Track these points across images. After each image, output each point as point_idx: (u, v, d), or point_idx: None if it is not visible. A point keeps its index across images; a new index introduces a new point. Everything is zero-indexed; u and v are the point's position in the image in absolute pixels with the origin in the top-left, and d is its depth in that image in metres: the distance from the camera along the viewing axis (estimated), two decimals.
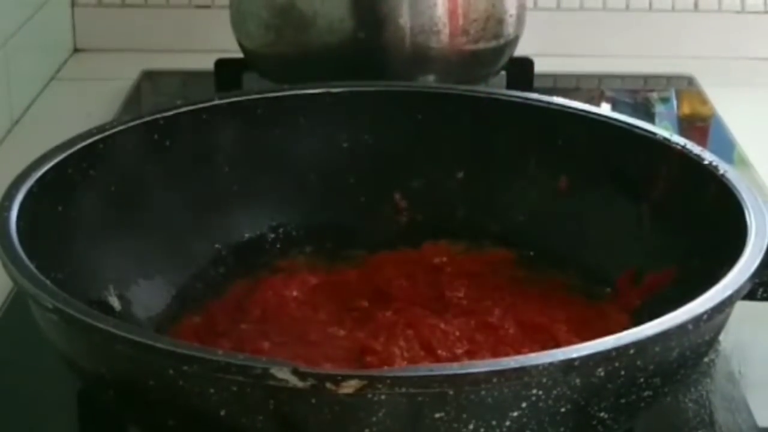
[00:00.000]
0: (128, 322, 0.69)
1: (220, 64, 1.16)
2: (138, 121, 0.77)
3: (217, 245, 0.79)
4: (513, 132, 0.82)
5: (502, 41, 1.07)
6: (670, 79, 1.27)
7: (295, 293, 0.74)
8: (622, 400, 0.56)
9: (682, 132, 1.08)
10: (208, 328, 0.71)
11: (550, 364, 0.52)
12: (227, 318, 0.72)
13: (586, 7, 1.34)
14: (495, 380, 0.52)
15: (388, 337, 0.67)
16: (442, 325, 0.69)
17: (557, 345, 0.66)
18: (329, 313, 0.71)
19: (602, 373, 0.54)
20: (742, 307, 0.62)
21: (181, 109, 0.79)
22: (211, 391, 0.53)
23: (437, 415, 0.52)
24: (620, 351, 0.54)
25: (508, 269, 0.78)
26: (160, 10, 1.33)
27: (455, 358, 0.66)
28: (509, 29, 1.07)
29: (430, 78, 1.04)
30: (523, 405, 0.53)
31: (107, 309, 0.70)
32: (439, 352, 0.66)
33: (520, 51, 1.12)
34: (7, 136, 1.10)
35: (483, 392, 0.52)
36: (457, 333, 0.69)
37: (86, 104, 1.17)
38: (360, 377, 0.51)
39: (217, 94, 0.85)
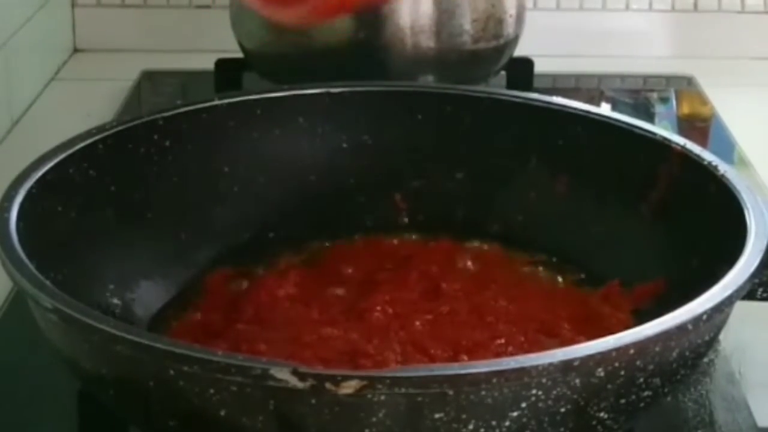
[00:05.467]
0: (128, 322, 0.69)
1: (220, 64, 1.16)
2: (138, 122, 0.77)
3: (216, 245, 0.79)
4: (513, 132, 0.82)
5: (502, 41, 1.07)
6: (669, 79, 1.27)
7: (289, 293, 0.74)
8: (622, 401, 0.56)
9: (682, 132, 1.08)
10: (204, 328, 0.71)
11: (550, 364, 0.52)
12: (224, 318, 0.72)
13: (586, 7, 1.34)
14: (495, 380, 0.52)
15: (381, 339, 0.67)
16: (439, 324, 0.69)
17: (561, 343, 0.66)
18: (324, 313, 0.71)
19: (602, 374, 0.54)
20: (741, 307, 0.62)
21: (180, 110, 0.79)
22: (211, 391, 0.53)
23: (437, 416, 0.52)
24: (620, 351, 0.54)
25: (507, 268, 0.78)
26: (160, 10, 1.33)
27: (453, 358, 0.66)
28: (509, 29, 1.07)
29: (430, 78, 1.04)
30: (523, 405, 0.53)
31: (107, 309, 0.70)
32: (437, 352, 0.66)
33: (520, 51, 1.12)
34: (7, 136, 1.10)
35: (483, 392, 0.52)
36: (455, 332, 0.69)
37: (86, 104, 1.17)
38: (360, 377, 0.51)
39: (217, 94, 0.84)
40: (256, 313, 0.72)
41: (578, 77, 1.27)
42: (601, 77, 1.26)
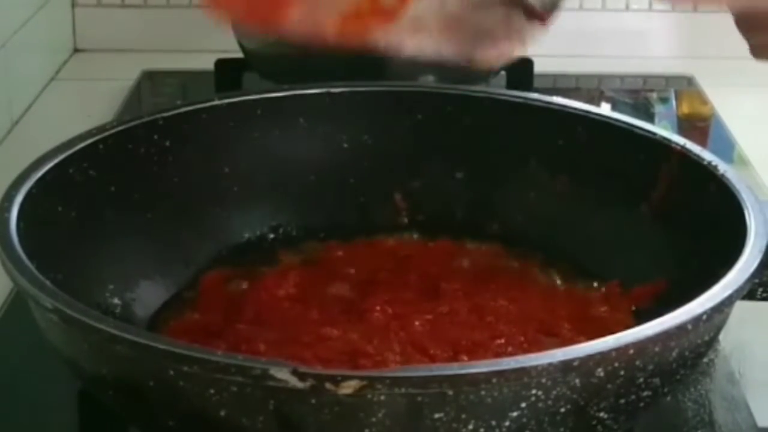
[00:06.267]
0: (128, 322, 0.69)
1: (220, 64, 1.16)
2: (138, 122, 0.77)
3: (216, 245, 0.79)
4: (513, 132, 0.82)
5: None
6: (669, 79, 1.27)
7: (289, 293, 0.74)
8: (622, 401, 0.56)
9: (682, 132, 1.08)
10: (204, 328, 0.71)
11: (550, 364, 0.52)
12: (223, 318, 0.72)
13: (585, 7, 1.34)
14: (495, 380, 0.52)
15: (381, 339, 0.67)
16: (439, 324, 0.69)
17: (561, 343, 0.66)
18: (323, 313, 0.71)
19: (602, 374, 0.54)
20: (741, 307, 0.62)
21: (180, 110, 0.79)
22: (211, 391, 0.53)
23: (437, 416, 0.52)
24: (620, 351, 0.54)
25: (507, 268, 0.78)
26: (160, 10, 1.33)
27: (453, 358, 0.66)
28: None
29: (430, 78, 1.04)
30: (523, 405, 0.53)
31: (107, 309, 0.70)
32: (437, 352, 0.66)
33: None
34: (7, 136, 1.10)
35: (482, 392, 0.52)
36: (455, 332, 0.69)
37: (86, 104, 1.17)
38: (360, 377, 0.51)
39: (217, 94, 0.84)
40: (255, 313, 0.72)
41: (578, 77, 1.27)
42: (601, 77, 1.26)
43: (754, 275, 0.61)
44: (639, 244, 0.75)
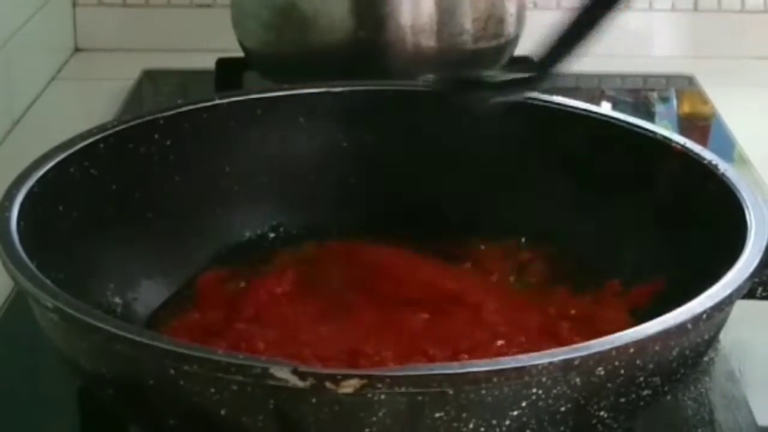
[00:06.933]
0: (129, 321, 0.69)
1: (221, 63, 1.16)
2: (138, 121, 0.77)
3: (217, 244, 0.79)
4: (513, 132, 0.81)
5: (502, 40, 1.07)
6: (670, 79, 1.27)
7: (287, 292, 0.74)
8: (622, 400, 0.56)
9: (683, 131, 1.08)
10: (204, 327, 0.71)
11: (550, 363, 0.52)
12: (223, 317, 0.72)
13: None
14: (495, 380, 0.52)
15: (380, 339, 0.67)
16: (438, 324, 0.69)
17: (561, 343, 0.66)
18: (322, 312, 0.71)
19: (602, 373, 0.54)
20: (741, 306, 0.62)
21: (181, 109, 0.79)
22: (211, 390, 0.53)
23: (437, 415, 0.52)
24: (620, 350, 0.54)
25: (507, 268, 0.78)
26: (161, 10, 1.34)
27: (453, 358, 0.66)
28: (509, 29, 1.07)
29: (431, 77, 1.04)
30: (523, 404, 0.53)
31: (108, 308, 0.70)
32: (436, 352, 0.66)
33: (520, 50, 1.12)
34: (8, 135, 1.10)
35: (483, 391, 0.52)
36: (454, 332, 0.69)
37: (87, 104, 1.18)
38: (360, 377, 0.51)
39: (218, 93, 0.85)
40: (255, 312, 0.72)
41: (578, 77, 1.26)
42: (602, 77, 1.26)
43: (754, 274, 0.61)
44: (639, 243, 0.75)
